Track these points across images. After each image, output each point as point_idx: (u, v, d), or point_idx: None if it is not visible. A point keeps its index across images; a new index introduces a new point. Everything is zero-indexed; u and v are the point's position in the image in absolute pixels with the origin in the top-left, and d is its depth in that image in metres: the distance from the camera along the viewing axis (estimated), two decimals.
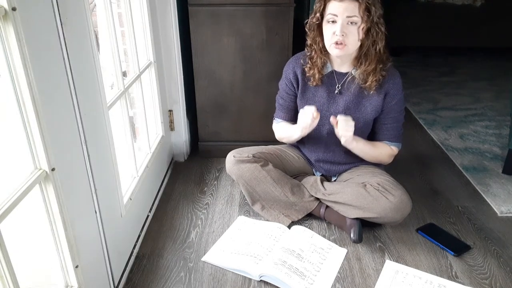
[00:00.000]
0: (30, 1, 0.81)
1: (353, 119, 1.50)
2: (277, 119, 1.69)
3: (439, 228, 1.60)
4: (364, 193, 1.48)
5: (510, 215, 1.69)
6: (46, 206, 0.91)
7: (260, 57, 1.91)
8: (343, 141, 1.48)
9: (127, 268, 1.37)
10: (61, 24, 0.92)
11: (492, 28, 4.10)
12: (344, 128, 1.44)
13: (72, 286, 1.01)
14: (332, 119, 1.46)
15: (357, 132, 1.49)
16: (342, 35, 1.35)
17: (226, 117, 2.06)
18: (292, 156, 1.71)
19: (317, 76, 1.49)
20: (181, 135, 2.09)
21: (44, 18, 0.87)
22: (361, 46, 1.42)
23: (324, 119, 1.54)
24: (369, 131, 1.60)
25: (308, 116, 1.45)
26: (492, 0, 4.09)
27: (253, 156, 1.61)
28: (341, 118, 1.44)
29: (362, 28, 1.36)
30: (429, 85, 3.42)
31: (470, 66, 3.99)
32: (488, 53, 4.34)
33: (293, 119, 1.65)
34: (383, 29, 1.38)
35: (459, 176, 2.00)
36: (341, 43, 1.37)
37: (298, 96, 1.58)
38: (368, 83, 1.46)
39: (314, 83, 1.52)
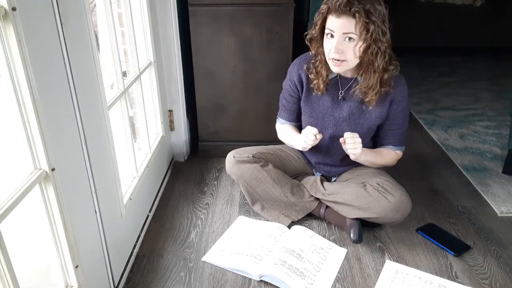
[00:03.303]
0: (30, 1, 0.81)
1: (357, 125, 1.50)
2: (280, 119, 1.69)
3: (439, 228, 1.60)
4: (364, 193, 1.48)
5: (510, 215, 1.69)
6: (46, 206, 0.91)
7: (260, 57, 1.91)
8: (352, 158, 1.48)
9: (127, 268, 1.37)
10: (61, 24, 0.92)
11: (492, 28, 4.10)
12: (352, 146, 1.43)
13: (72, 286, 1.01)
14: (341, 140, 1.44)
15: (360, 137, 1.48)
16: (338, 52, 1.32)
17: (226, 117, 2.06)
18: (292, 156, 1.71)
19: (321, 86, 1.47)
20: (181, 135, 2.09)
21: (44, 18, 0.87)
22: (360, 62, 1.37)
23: (327, 123, 1.54)
24: (372, 135, 1.59)
25: (309, 138, 1.45)
26: (492, 0, 4.10)
27: (253, 156, 1.61)
28: (348, 136, 1.42)
29: (360, 46, 1.31)
30: (429, 85, 3.42)
31: (470, 66, 3.98)
32: (488, 53, 4.33)
33: (296, 120, 1.65)
34: (383, 48, 1.31)
35: (459, 176, 2.00)
36: (339, 60, 1.34)
37: (302, 99, 1.56)
38: (367, 99, 1.42)
39: (319, 93, 1.49)
